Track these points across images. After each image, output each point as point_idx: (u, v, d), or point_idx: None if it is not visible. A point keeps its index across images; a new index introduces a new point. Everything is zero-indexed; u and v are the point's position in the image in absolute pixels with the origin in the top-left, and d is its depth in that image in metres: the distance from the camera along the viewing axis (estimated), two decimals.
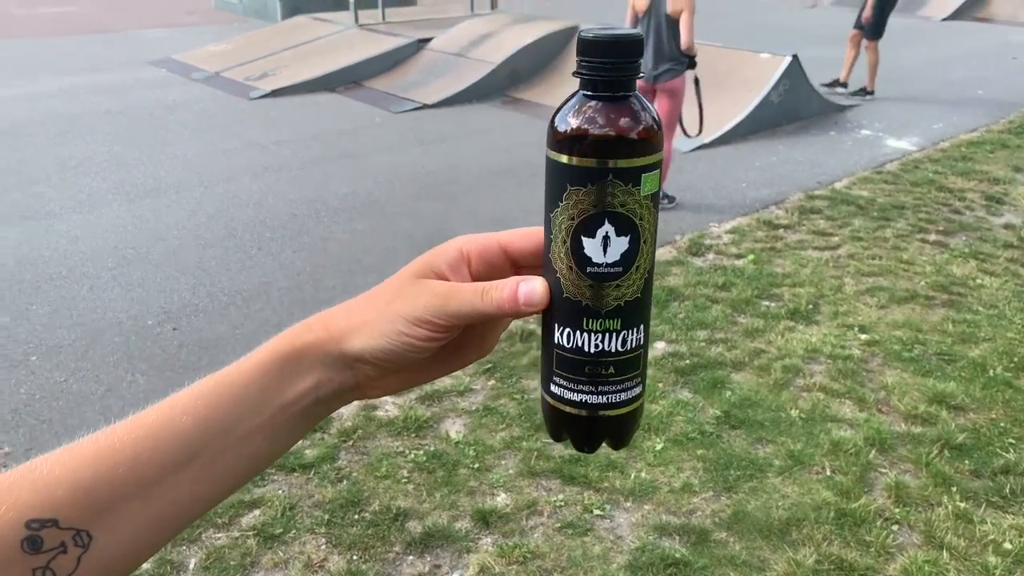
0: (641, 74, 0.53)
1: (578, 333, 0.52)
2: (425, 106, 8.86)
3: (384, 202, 6.02)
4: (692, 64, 5.71)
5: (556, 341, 0.53)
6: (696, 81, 5.90)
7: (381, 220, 5.68)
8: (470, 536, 2.77)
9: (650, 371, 3.74)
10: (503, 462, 3.16)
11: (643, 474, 3.08)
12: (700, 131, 6.23)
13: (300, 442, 3.27)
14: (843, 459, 3.16)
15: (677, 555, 2.68)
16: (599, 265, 0.51)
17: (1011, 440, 3.28)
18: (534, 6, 13.72)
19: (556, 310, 0.53)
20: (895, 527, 2.84)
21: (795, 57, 8.12)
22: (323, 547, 2.71)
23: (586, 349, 0.52)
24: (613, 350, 0.52)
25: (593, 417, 0.54)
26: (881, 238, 5.37)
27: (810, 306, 4.42)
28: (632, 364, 0.54)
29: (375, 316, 0.53)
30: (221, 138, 7.57)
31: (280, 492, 2.97)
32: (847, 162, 7.19)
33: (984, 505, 2.94)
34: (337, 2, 13.17)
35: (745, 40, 9.79)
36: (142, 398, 3.18)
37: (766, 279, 4.75)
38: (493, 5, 12.59)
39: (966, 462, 3.16)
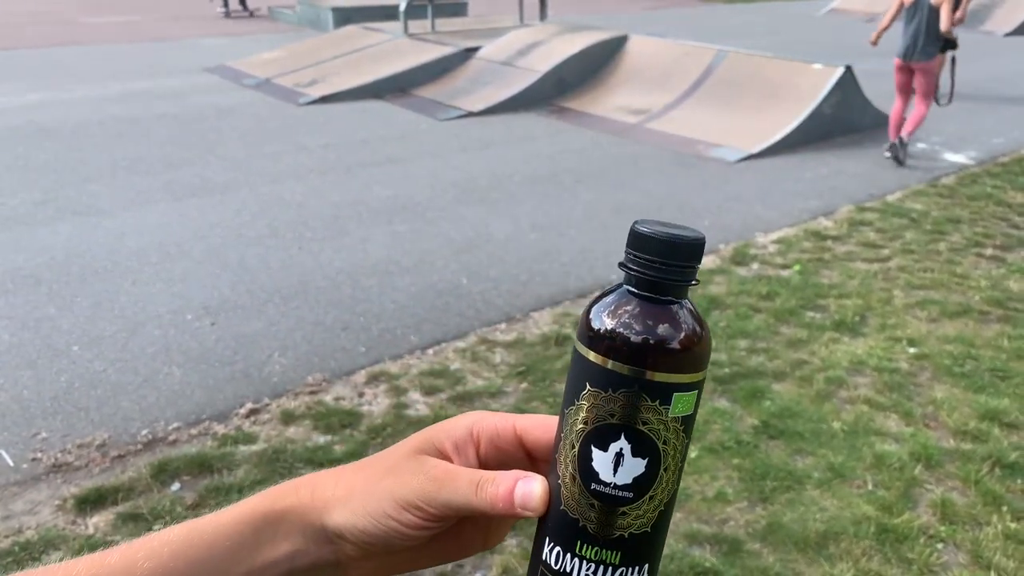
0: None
1: (568, 556, 0.45)
2: (471, 114, 8.88)
3: (425, 206, 6.03)
4: (948, 47, 7.21)
5: (544, 558, 0.46)
6: (953, 60, 7.42)
7: (421, 223, 5.68)
8: None
9: None
10: None
11: None
12: (950, 101, 7.82)
13: (327, 437, 3.25)
14: (886, 473, 3.03)
15: (707, 564, 2.58)
16: (606, 484, 0.44)
17: None
18: (583, 18, 13.70)
19: (551, 521, 0.46)
20: (940, 545, 2.70)
21: (848, 68, 7.95)
22: None
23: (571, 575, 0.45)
24: None
25: None
26: (934, 251, 5.19)
27: (857, 318, 4.27)
28: None
29: (363, 490, 0.48)
30: (269, 141, 7.68)
31: None
32: (901, 175, 6.99)
33: None
34: (388, 13, 13.34)
35: (801, 53, 9.62)
36: (177, 390, 3.20)
37: (812, 290, 4.61)
38: (542, 16, 12.60)
39: (1019, 481, 3.00)
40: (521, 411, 3.44)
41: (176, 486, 2.95)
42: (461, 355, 3.94)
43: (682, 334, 0.44)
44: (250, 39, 14.08)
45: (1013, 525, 2.78)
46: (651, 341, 0.43)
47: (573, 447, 0.45)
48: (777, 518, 2.80)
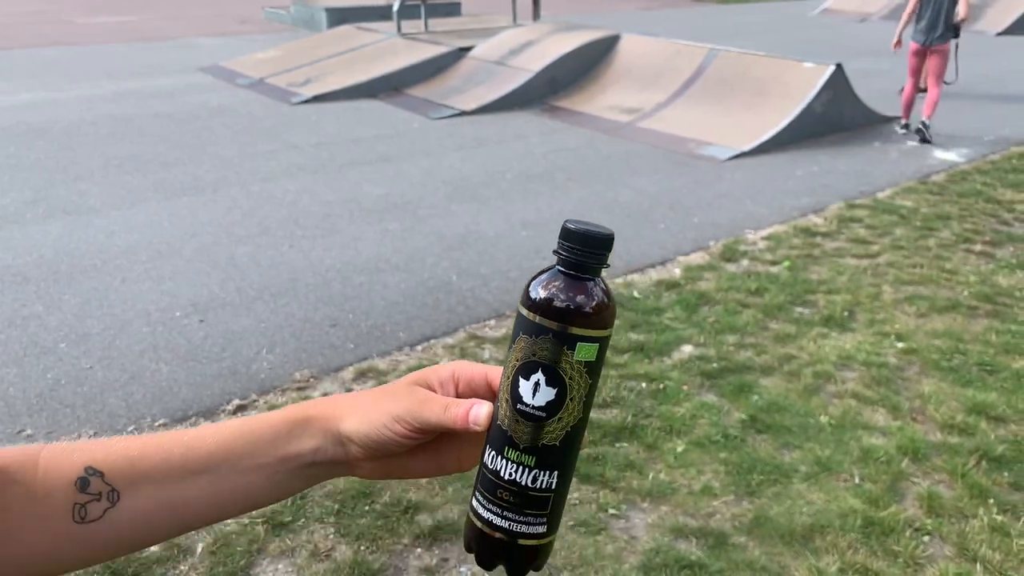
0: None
1: (499, 458, 0.59)
2: (464, 113, 8.88)
3: (417, 203, 6.03)
4: (957, 34, 7.86)
5: (483, 460, 0.61)
6: (956, 45, 8.06)
7: (413, 221, 5.68)
8: None
9: (676, 374, 3.67)
10: None
11: (662, 475, 2.99)
12: (955, 80, 8.73)
13: None
14: (873, 467, 3.03)
15: (692, 557, 2.58)
16: (527, 405, 0.59)
17: None
18: (577, 17, 13.72)
19: (491, 433, 0.60)
20: (926, 538, 2.71)
21: (839, 66, 7.96)
22: (331, 537, 2.67)
23: (503, 475, 0.59)
24: (523, 483, 0.59)
25: (495, 539, 0.60)
26: (923, 247, 5.20)
27: (845, 313, 4.28)
28: (539, 503, 0.60)
29: (369, 407, 0.63)
30: (261, 140, 7.67)
31: None
32: (891, 173, 7.00)
33: (1023, 518, 2.79)
34: (382, 13, 13.35)
35: (794, 53, 9.64)
36: (164, 387, 3.19)
37: (801, 286, 4.62)
38: (535, 15, 12.61)
39: (1005, 474, 3.01)
40: None
41: None
42: (450, 351, 3.94)
43: (593, 302, 0.59)
44: (244, 39, 14.06)
45: (999, 518, 2.78)
46: (567, 305, 0.58)
47: (508, 378, 0.60)
48: (763, 511, 2.81)
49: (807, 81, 8.01)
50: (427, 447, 0.64)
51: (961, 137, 8.27)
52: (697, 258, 5.12)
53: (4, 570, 0.57)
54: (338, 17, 14.49)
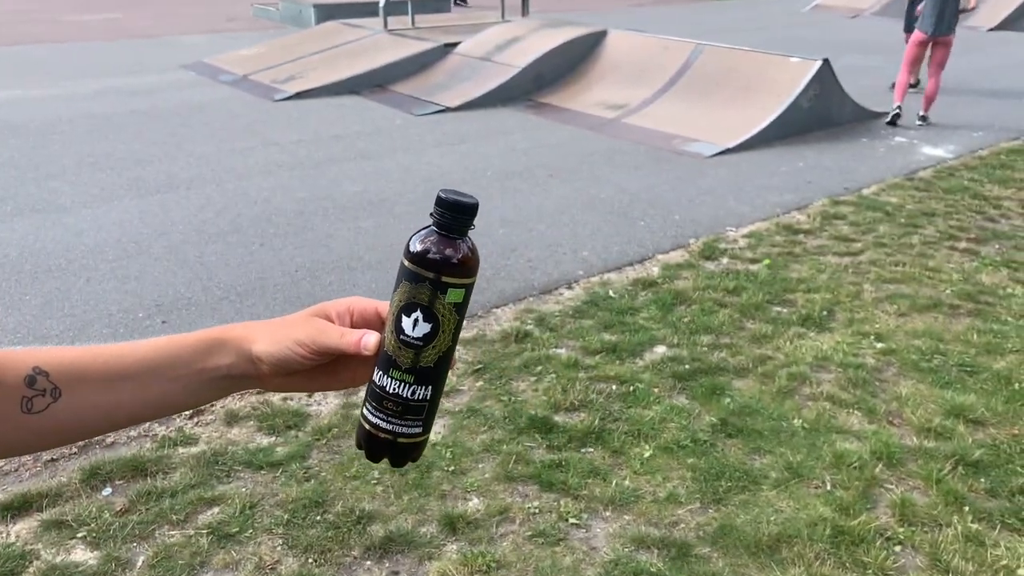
0: None
1: (386, 377, 0.71)
2: (448, 109, 8.76)
3: (394, 201, 5.92)
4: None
5: (372, 377, 0.73)
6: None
7: (388, 218, 5.57)
8: (434, 542, 2.61)
9: (647, 376, 3.57)
10: (480, 465, 2.99)
11: (627, 482, 2.89)
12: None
13: (270, 439, 3.14)
14: (846, 473, 2.93)
15: (653, 570, 2.48)
16: (408, 336, 0.70)
17: None
18: (566, 14, 13.60)
19: (380, 357, 0.72)
20: (897, 548, 2.61)
21: (826, 61, 7.86)
22: (278, 548, 2.57)
23: (388, 389, 0.72)
24: (405, 396, 0.72)
25: (383, 439, 0.73)
26: (907, 245, 5.11)
27: (824, 313, 4.18)
28: (416, 410, 0.73)
29: (276, 332, 0.73)
30: (240, 137, 7.55)
31: (243, 490, 2.84)
32: (878, 169, 6.91)
33: (999, 527, 2.70)
34: (370, 10, 13.19)
35: (784, 49, 9.54)
36: None
37: (780, 284, 4.52)
38: (524, 11, 12.50)
39: (982, 480, 2.91)
40: (474, 410, 3.33)
41: (107, 491, 2.83)
42: None
43: (457, 256, 0.69)
44: (231, 36, 13.92)
45: (974, 526, 2.69)
46: (438, 258, 0.69)
47: (393, 315, 0.71)
48: (730, 520, 2.71)
49: (793, 77, 7.91)
50: (326, 367, 0.74)
51: (950, 133, 8.18)
52: (676, 256, 5.02)
53: None
54: (326, 13, 14.34)
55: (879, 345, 3.86)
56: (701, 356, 3.75)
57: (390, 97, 9.34)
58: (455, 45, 10.36)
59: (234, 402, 3.41)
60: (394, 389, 0.71)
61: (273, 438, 3.17)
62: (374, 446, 0.74)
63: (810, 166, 6.96)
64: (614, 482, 2.88)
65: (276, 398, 3.44)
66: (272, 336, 0.72)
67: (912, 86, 8.93)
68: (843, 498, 2.81)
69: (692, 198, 6.10)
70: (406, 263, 0.70)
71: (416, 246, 0.70)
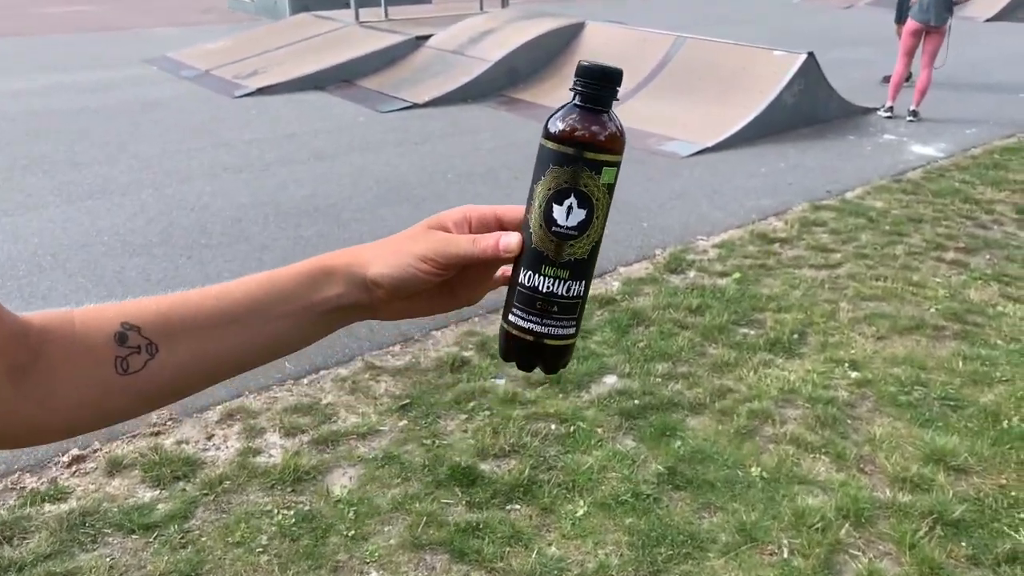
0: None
1: (537, 276, 0.66)
2: (415, 105, 8.35)
3: (342, 206, 5.51)
4: (952, 13, 7.78)
5: (519, 280, 0.67)
6: (950, 27, 7.86)
7: (332, 226, 5.16)
8: None
9: (592, 412, 3.19)
10: (386, 528, 2.60)
11: (552, 548, 2.50)
12: (943, 64, 8.03)
13: (154, 492, 2.75)
14: (806, 536, 2.54)
15: None
16: (562, 227, 0.64)
17: (1022, 515, 2.63)
18: (548, 5, 13.16)
19: (524, 257, 0.66)
20: None
21: (811, 55, 7.45)
22: None
23: (540, 289, 0.66)
24: (560, 293, 0.66)
25: (536, 343, 0.67)
26: (890, 256, 4.71)
27: (795, 335, 3.79)
28: (571, 308, 0.67)
29: (393, 251, 0.66)
30: (190, 137, 7.14)
31: (106, 560, 2.45)
32: (864, 169, 6.50)
33: None
34: (346, 0, 12.75)
35: (773, 42, 9.12)
36: None
37: (748, 302, 4.12)
38: (504, 2, 12.06)
39: (963, 544, 2.52)
40: (391, 457, 2.94)
41: None
42: (339, 385, 3.43)
43: (608, 130, 0.65)
44: (202, 29, 13.48)
45: None
46: (588, 133, 0.64)
47: (540, 206, 0.65)
48: None
49: (777, 71, 7.50)
50: (444, 286, 0.68)
51: (942, 129, 7.78)
52: (639, 269, 4.62)
53: (52, 425, 0.60)
54: (301, 5, 13.89)
55: (854, 374, 3.47)
56: (654, 388, 3.36)
57: (356, 93, 8.92)
58: (427, 38, 9.94)
59: (120, 447, 3.01)
60: (547, 287, 0.66)
61: (157, 491, 2.78)
62: (528, 353, 0.68)
63: (792, 166, 6.56)
64: (536, 550, 2.48)
65: (169, 441, 3.04)
66: (388, 256, 0.66)
67: (907, 80, 8.53)
68: (801, 568, 2.42)
69: (663, 203, 5.70)
70: (551, 145, 0.65)
71: (560, 124, 0.64)
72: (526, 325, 0.66)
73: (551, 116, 0.65)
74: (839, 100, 7.99)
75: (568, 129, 0.63)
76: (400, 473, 2.85)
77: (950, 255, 4.73)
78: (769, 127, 7.30)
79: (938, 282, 4.36)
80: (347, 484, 2.80)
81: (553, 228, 0.64)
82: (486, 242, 0.65)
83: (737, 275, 4.46)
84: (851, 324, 3.89)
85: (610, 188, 0.65)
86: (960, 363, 3.54)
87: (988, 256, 4.76)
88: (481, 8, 11.68)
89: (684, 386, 3.39)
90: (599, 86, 0.64)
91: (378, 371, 3.55)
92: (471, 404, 3.26)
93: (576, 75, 0.64)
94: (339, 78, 9.32)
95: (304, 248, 4.82)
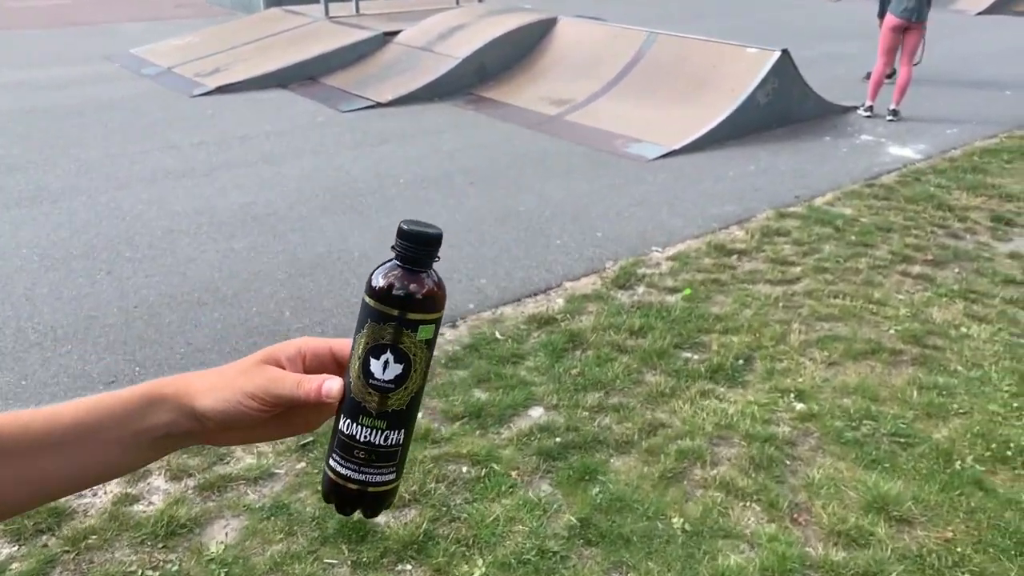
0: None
1: (355, 425, 0.66)
2: (378, 104, 8.06)
3: (282, 215, 5.23)
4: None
5: (339, 427, 0.67)
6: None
7: (268, 237, 4.89)
8: None
9: (509, 452, 2.93)
10: None
11: None
12: (920, 61, 7.77)
13: (12, 548, 2.47)
14: None
15: None
16: (379, 380, 0.65)
17: None
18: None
19: (344, 404, 0.66)
20: None
21: (785, 52, 7.16)
22: None
23: (358, 438, 0.66)
24: (377, 443, 0.66)
25: (354, 490, 0.67)
26: (852, 270, 4.43)
27: (739, 361, 3.52)
28: (389, 456, 0.67)
29: (223, 385, 0.66)
30: (137, 139, 6.85)
31: None
32: (837, 173, 6.23)
33: None
34: None
35: (755, 36, 8.83)
36: None
37: (695, 322, 3.86)
38: None
39: None
40: (280, 506, 2.68)
41: None
42: None
43: (425, 289, 0.65)
44: (175, 24, 13.16)
45: None
46: (406, 294, 0.65)
47: (359, 359, 0.66)
48: None
49: (749, 69, 7.21)
50: (278, 416, 0.67)
51: (922, 130, 7.50)
52: (586, 284, 4.35)
53: None
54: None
55: (799, 406, 3.20)
56: (581, 423, 3.09)
57: (319, 91, 8.63)
58: (396, 34, 9.64)
59: None
60: (365, 437, 0.66)
61: (16, 547, 2.51)
62: (345, 498, 0.68)
63: (762, 170, 6.28)
64: None
65: None
66: (216, 390, 0.65)
67: (888, 77, 8.25)
68: None
69: (622, 210, 5.42)
70: (369, 301, 0.66)
71: (380, 282, 0.65)
72: (344, 472, 0.67)
73: (373, 272, 0.66)
74: (816, 99, 7.70)
75: (387, 288, 0.64)
76: (286, 526, 2.58)
77: (916, 268, 4.46)
78: (741, 128, 7.03)
79: (900, 299, 4.09)
80: (225, 539, 2.54)
81: (371, 381, 0.65)
82: (309, 385, 0.65)
83: (687, 291, 4.19)
84: (802, 348, 3.63)
85: (429, 343, 0.66)
86: (915, 393, 3.27)
87: (957, 269, 4.49)
88: (457, 3, 11.39)
89: (614, 419, 3.12)
90: (417, 249, 0.65)
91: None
92: None
93: (397, 236, 0.65)
94: (304, 75, 9.03)
95: (231, 263, 4.55)
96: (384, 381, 0.65)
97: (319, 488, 2.70)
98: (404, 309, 0.64)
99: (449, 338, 3.79)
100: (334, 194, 5.66)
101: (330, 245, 4.80)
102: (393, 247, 0.65)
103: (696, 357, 3.58)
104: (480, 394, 3.31)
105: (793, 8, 16.11)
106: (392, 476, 0.68)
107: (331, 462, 0.67)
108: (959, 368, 3.47)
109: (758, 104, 7.12)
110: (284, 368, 0.67)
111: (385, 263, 0.66)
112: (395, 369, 0.65)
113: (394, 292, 0.64)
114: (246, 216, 5.22)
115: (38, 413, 0.63)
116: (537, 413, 3.19)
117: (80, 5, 15.74)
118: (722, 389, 3.34)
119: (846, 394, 3.29)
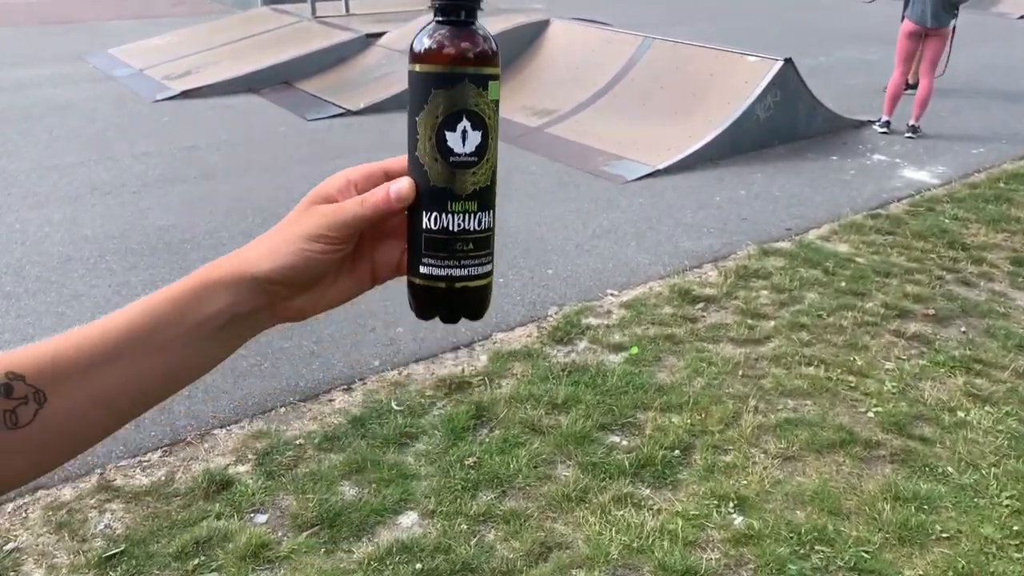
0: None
1: (444, 215, 0.60)
2: (347, 112, 7.48)
3: (198, 242, 4.67)
4: (956, 14, 6.74)
5: (425, 226, 0.61)
6: (953, 29, 6.86)
7: (172, 270, 4.32)
8: None
9: None
10: None
11: None
12: (943, 72, 7.06)
13: None
14: None
15: None
16: (460, 155, 0.60)
17: None
18: (511, 1, 12.22)
19: (423, 199, 0.60)
20: None
21: (788, 61, 6.44)
22: None
23: (450, 228, 0.60)
24: (472, 228, 0.61)
25: (456, 289, 0.62)
26: (834, 327, 3.74)
27: (675, 452, 2.87)
28: (485, 242, 0.62)
29: (279, 241, 0.59)
30: (77, 149, 6.34)
31: None
32: (838, 201, 5.51)
33: None
34: None
35: (777, 39, 8.10)
36: None
37: (632, 394, 3.20)
38: None
39: None
40: None
41: None
42: (48, 517, 2.59)
43: (487, 41, 0.60)
44: (168, 22, 12.71)
45: None
46: (473, 49, 0.59)
47: (430, 139, 0.60)
48: None
49: (748, 80, 6.50)
50: (347, 266, 0.63)
51: (944, 148, 6.73)
52: (520, 337, 3.72)
53: None
54: None
55: (737, 521, 2.54)
56: (456, 540, 2.47)
57: (290, 97, 8.07)
58: (381, 35, 9.06)
59: None
60: (459, 224, 0.60)
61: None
62: (450, 302, 0.63)
63: (753, 195, 5.58)
64: None
65: None
66: (274, 248, 0.59)
67: (908, 87, 7.48)
68: None
69: (583, 242, 4.77)
70: (429, 68, 0.59)
71: (434, 42, 0.59)
72: (444, 272, 0.62)
73: (417, 36, 0.60)
74: (826, 113, 6.96)
75: (446, 46, 0.59)
76: None
77: (913, 327, 3.76)
78: (738, 145, 6.32)
79: (888, 369, 3.39)
80: None
81: (451, 159, 0.60)
82: (376, 197, 0.59)
83: (634, 350, 3.54)
84: (755, 435, 2.96)
85: (497, 104, 0.61)
86: (889, 507, 2.59)
87: (963, 328, 3.77)
88: None
89: (501, 535, 2.49)
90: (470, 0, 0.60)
91: (112, 494, 2.70)
92: (197, 560, 2.39)
93: None
94: (278, 79, 8.48)
95: (120, 300, 3.98)
96: (466, 155, 0.60)
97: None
98: (472, 65, 0.59)
99: (337, 406, 3.19)
100: (265, 216, 5.08)
101: None
102: (432, 6, 0.60)
103: (624, 443, 2.93)
104: (347, 489, 2.70)
105: (820, 9, 15.25)
106: (490, 266, 0.63)
107: (423, 270, 0.61)
108: (949, 470, 2.78)
109: (757, 119, 6.41)
110: (338, 201, 0.60)
111: (427, 26, 0.60)
112: (474, 138, 0.60)
113: (457, 49, 0.59)
114: (158, 242, 4.66)
115: (94, 326, 0.58)
116: (408, 521, 2.57)
117: (71, 1, 15.40)
118: (646, 491, 2.68)
119: (800, 504, 2.62)
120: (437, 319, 0.64)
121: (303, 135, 6.90)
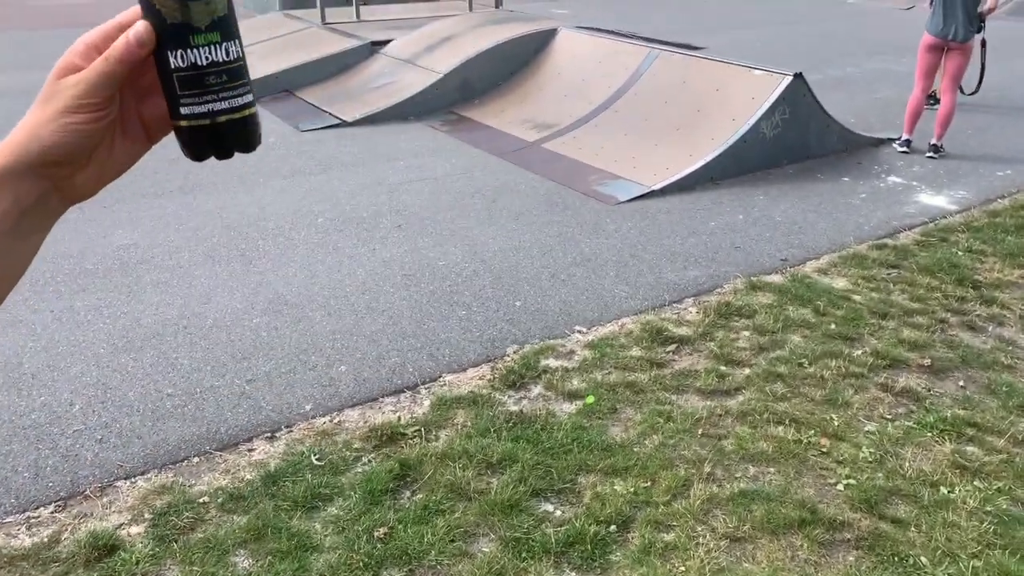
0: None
1: (189, 51, 0.59)
2: (342, 124, 7.27)
3: (156, 262, 4.46)
4: (981, 28, 6.33)
5: (174, 66, 0.59)
6: (983, 43, 6.69)
7: (120, 295, 4.11)
8: None
9: None
10: None
11: None
12: (977, 90, 7.09)
13: None
14: None
15: None
16: None
17: None
18: (548, 5, 11.92)
19: (166, 40, 0.59)
20: None
21: (798, 76, 6.06)
22: None
23: (198, 63, 0.59)
24: (221, 59, 0.60)
25: (221, 123, 0.61)
26: (815, 378, 3.39)
27: (612, 528, 2.56)
28: (239, 72, 0.61)
29: (40, 122, 0.58)
30: None
31: None
32: (843, 227, 5.13)
33: None
34: None
35: (807, 48, 7.72)
36: None
37: (578, 453, 2.90)
38: (497, 3, 10.88)
39: None
40: None
41: None
42: None
43: None
44: None
45: None
46: None
47: None
48: None
49: (755, 95, 6.13)
50: (114, 134, 0.61)
51: (968, 170, 6.29)
52: (471, 379, 3.43)
53: None
54: (295, 2, 12.98)
55: None
56: None
57: (288, 106, 7.89)
58: (387, 43, 8.84)
59: None
60: (207, 57, 0.59)
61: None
62: (218, 137, 0.62)
63: (752, 220, 5.22)
64: None
65: None
66: (34, 133, 0.57)
67: (930, 101, 7.05)
68: None
69: (559, 271, 4.47)
70: None
71: None
72: (205, 109, 0.60)
73: None
74: (840, 130, 6.56)
75: None
76: None
77: (904, 380, 3.39)
78: (742, 164, 5.97)
79: (868, 432, 3.04)
80: None
81: None
82: (116, 49, 0.58)
83: (590, 399, 3.23)
84: (704, 509, 2.63)
85: None
86: None
87: (961, 382, 3.40)
88: (470, 8, 10.54)
89: None
90: None
91: (11, 562, 2.48)
92: None
93: None
94: (280, 87, 8.32)
95: (58, 330, 3.79)
96: None
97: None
98: None
99: (255, 457, 2.94)
100: (233, 234, 4.87)
101: (185, 307, 4.00)
102: None
103: (557, 514, 2.63)
104: (241, 561, 2.44)
105: (858, 16, 14.72)
106: (250, 96, 0.63)
107: (183, 111, 0.60)
108: (923, 561, 2.42)
109: (763, 137, 6.04)
110: (83, 66, 0.59)
111: None
112: None
113: None
114: (113, 264, 4.47)
115: None
116: None
117: (98, 5, 15.47)
118: (571, 575, 2.38)
119: None
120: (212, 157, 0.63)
121: (291, 147, 6.69)
